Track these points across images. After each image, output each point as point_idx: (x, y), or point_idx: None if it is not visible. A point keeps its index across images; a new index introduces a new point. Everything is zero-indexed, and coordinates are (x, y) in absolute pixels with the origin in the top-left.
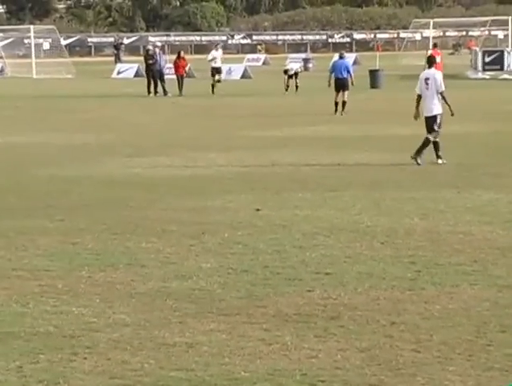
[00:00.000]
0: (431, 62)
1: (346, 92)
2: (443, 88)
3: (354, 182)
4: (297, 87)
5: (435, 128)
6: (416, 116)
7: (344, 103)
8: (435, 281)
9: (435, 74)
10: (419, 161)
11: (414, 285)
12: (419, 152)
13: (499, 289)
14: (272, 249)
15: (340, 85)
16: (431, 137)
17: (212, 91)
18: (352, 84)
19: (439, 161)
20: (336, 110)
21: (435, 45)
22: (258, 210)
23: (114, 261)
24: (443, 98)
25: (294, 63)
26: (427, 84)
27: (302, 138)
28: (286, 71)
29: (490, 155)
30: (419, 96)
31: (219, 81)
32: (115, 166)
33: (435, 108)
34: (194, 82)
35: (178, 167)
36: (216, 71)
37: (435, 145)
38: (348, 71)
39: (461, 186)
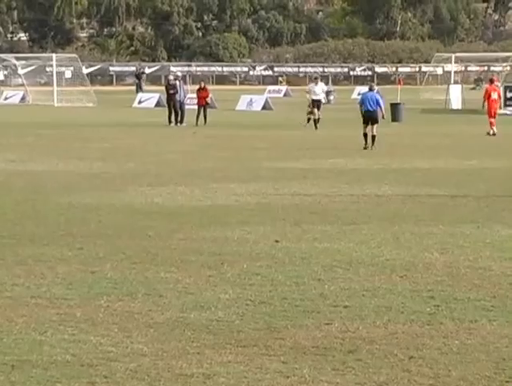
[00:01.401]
0: None
1: (375, 126)
2: None
3: (374, 216)
4: (319, 119)
5: None
6: None
7: (373, 137)
8: (453, 316)
9: None
10: None
11: (432, 319)
12: None
13: None
14: (291, 281)
15: (369, 118)
16: None
17: (308, 120)
18: (382, 117)
19: None
20: (366, 143)
21: (491, 81)
22: (277, 241)
23: (133, 291)
24: None
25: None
26: None
27: (322, 170)
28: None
29: (510, 190)
30: None
31: (317, 120)
32: (135, 195)
33: None
34: (215, 112)
35: (198, 197)
36: (317, 104)
37: None
38: (378, 104)
39: (481, 221)
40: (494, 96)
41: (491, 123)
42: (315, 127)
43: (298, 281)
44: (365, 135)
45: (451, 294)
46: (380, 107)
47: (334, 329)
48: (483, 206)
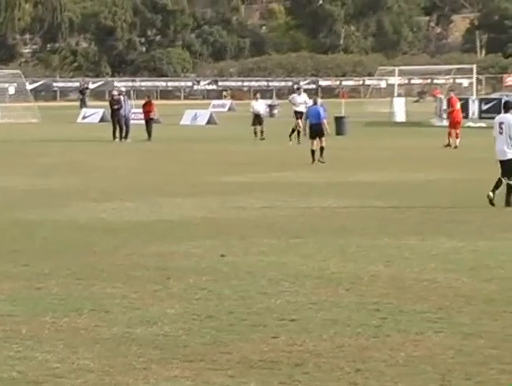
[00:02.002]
0: (507, 107)
1: (323, 138)
2: None
3: (319, 229)
4: (262, 132)
5: None
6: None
7: (322, 149)
8: (400, 328)
9: (511, 119)
10: (491, 198)
11: (379, 332)
12: (493, 192)
13: (464, 337)
14: (237, 295)
15: (315, 132)
16: (505, 180)
17: (298, 139)
18: (326, 131)
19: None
20: (313, 159)
21: (452, 90)
22: (223, 256)
23: (79, 307)
24: None
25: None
26: (501, 128)
27: (268, 184)
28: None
29: (454, 202)
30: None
31: (299, 132)
32: (80, 211)
33: (510, 152)
34: (160, 127)
35: (143, 212)
36: (300, 115)
37: (509, 188)
38: (320, 117)
39: (426, 233)
40: (458, 106)
41: (452, 134)
42: (298, 140)
43: (244, 295)
44: (313, 152)
45: (397, 307)
46: (322, 121)
47: (281, 342)
48: (428, 218)
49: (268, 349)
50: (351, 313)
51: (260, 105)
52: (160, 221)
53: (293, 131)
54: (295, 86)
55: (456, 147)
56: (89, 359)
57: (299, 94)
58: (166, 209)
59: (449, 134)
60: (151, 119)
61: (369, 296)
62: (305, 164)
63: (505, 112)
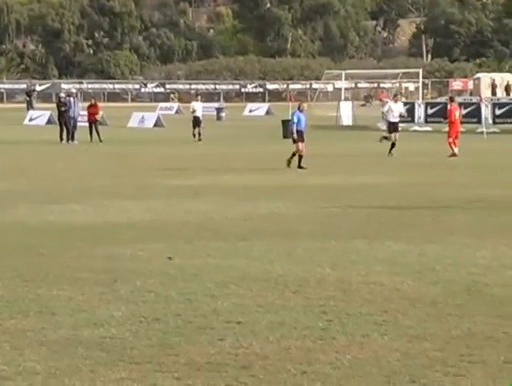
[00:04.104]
0: None
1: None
2: None
3: (266, 232)
4: (199, 134)
5: None
6: None
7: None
8: (346, 330)
9: None
10: None
11: (325, 334)
12: None
13: (409, 340)
14: (184, 298)
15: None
16: None
17: (390, 151)
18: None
19: None
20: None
21: (451, 99)
22: (170, 258)
23: (25, 309)
24: None
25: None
26: None
27: (215, 187)
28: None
29: (400, 206)
30: None
31: (393, 144)
32: (27, 213)
33: None
34: (107, 129)
35: (90, 215)
36: (394, 127)
37: None
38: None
39: (372, 236)
40: (457, 115)
41: (453, 143)
42: (390, 152)
43: (191, 297)
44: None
45: (343, 309)
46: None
47: (227, 345)
48: (374, 221)
49: (214, 351)
50: (298, 315)
51: (198, 107)
52: (107, 223)
53: (392, 145)
54: (393, 92)
55: (453, 155)
56: (35, 361)
57: (396, 102)
58: (112, 211)
59: (450, 144)
60: (97, 121)
61: (316, 298)
62: (252, 167)
63: None
